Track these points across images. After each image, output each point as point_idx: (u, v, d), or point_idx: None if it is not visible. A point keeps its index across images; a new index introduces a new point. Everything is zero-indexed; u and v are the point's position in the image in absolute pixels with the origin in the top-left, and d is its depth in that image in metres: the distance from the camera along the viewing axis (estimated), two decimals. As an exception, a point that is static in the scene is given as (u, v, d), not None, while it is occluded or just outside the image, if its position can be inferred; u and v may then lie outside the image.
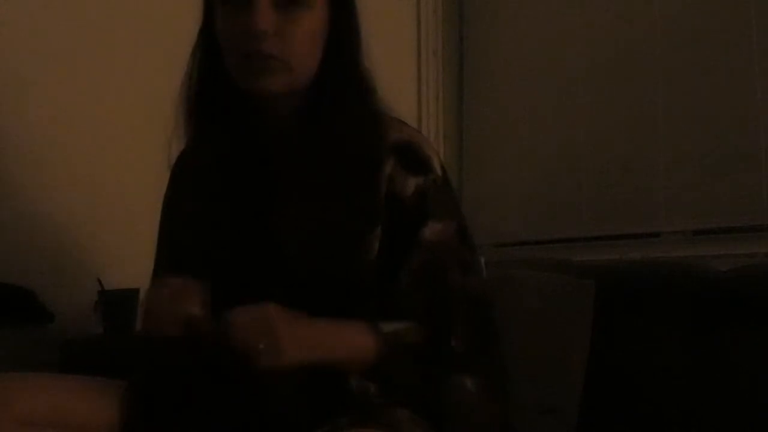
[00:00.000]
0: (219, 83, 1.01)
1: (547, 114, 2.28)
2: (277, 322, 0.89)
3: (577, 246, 2.14)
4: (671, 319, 1.49)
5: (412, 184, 1.00)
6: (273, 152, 1.02)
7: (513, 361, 1.59)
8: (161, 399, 1.00)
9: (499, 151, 2.44)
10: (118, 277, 1.80)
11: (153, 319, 0.94)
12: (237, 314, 0.89)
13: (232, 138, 1.04)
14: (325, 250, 0.97)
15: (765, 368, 1.34)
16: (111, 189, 1.93)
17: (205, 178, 1.05)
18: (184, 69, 1.07)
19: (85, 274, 1.82)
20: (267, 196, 1.01)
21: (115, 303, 1.77)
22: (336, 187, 0.98)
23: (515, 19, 2.42)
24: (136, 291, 1.78)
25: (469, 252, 1.04)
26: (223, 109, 1.03)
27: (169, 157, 1.14)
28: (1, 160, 1.80)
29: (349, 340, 0.94)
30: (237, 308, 0.89)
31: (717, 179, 1.82)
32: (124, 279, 1.78)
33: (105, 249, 1.90)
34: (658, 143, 1.96)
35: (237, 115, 1.03)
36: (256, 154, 1.03)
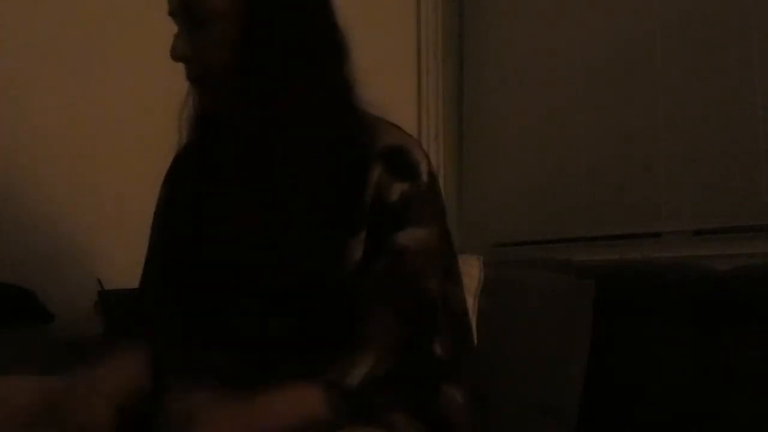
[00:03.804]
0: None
1: (547, 114, 2.28)
2: (203, 410, 0.85)
3: (577, 246, 2.14)
4: (671, 319, 1.49)
5: (397, 190, 0.97)
6: (237, 161, 1.01)
7: (513, 361, 1.59)
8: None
9: (499, 151, 2.44)
10: (118, 277, 1.79)
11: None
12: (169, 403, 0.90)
13: (205, 147, 1.05)
14: (293, 257, 0.94)
15: (765, 368, 1.34)
16: (111, 189, 1.93)
17: (181, 185, 1.08)
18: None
19: (85, 274, 1.82)
20: (226, 203, 0.99)
21: (115, 303, 1.77)
22: (308, 193, 0.95)
23: (515, 19, 2.42)
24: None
25: (451, 260, 1.03)
26: (201, 121, 1.06)
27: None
28: (0, 161, 1.80)
29: (297, 408, 0.88)
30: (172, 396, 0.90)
31: (717, 179, 1.82)
32: (124, 279, 1.78)
33: (105, 249, 1.90)
34: (658, 143, 1.95)
35: (210, 128, 1.05)
36: (223, 162, 1.03)
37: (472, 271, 1.67)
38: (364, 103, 1.03)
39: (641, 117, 2.00)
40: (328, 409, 0.87)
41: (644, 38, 2.01)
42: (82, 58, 1.91)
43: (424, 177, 1.00)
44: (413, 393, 0.93)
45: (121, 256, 1.88)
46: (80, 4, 1.92)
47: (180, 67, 1.06)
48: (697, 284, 1.50)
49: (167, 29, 0.98)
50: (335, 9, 1.04)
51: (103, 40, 1.94)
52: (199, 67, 0.99)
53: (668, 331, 1.49)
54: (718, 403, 1.37)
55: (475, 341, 1.59)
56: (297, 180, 0.95)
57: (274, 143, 0.95)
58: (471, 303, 1.63)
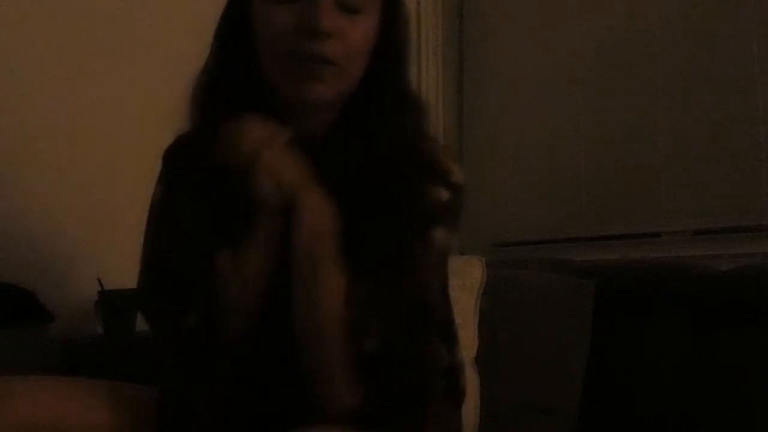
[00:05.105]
0: (244, 84, 0.95)
1: (547, 114, 2.28)
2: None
3: (577, 246, 2.14)
4: (671, 319, 1.49)
5: (431, 192, 0.98)
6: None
7: (513, 360, 1.59)
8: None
9: (499, 151, 2.44)
10: (118, 277, 1.79)
11: None
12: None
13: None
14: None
15: (765, 368, 1.34)
16: (111, 189, 1.93)
17: (213, 183, 0.95)
18: (200, 63, 1.00)
19: (85, 274, 1.82)
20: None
21: (115, 303, 1.77)
22: (373, 205, 0.93)
23: (515, 18, 2.42)
24: (136, 291, 1.78)
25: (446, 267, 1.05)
26: (242, 110, 0.95)
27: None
28: (1, 160, 1.80)
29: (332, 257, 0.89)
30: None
31: (717, 179, 1.82)
32: (124, 279, 1.77)
33: (105, 249, 1.90)
34: (658, 143, 1.96)
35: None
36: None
37: (473, 272, 1.67)
38: None
39: (641, 117, 2.01)
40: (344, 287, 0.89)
41: (644, 38, 2.01)
42: (83, 58, 1.91)
43: (455, 183, 1.01)
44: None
45: (121, 256, 1.88)
46: (79, 5, 1.92)
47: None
48: (697, 284, 1.50)
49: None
50: None
51: (106, 39, 1.94)
52: (340, 50, 0.91)
53: (668, 331, 1.49)
54: (717, 403, 1.37)
55: (474, 346, 1.60)
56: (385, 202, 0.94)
57: (374, 163, 0.95)
58: (473, 303, 1.63)
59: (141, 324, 1.80)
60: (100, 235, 1.91)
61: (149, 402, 1.00)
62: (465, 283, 1.63)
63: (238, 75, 0.96)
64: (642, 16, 2.03)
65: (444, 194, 0.99)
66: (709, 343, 1.42)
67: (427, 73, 2.56)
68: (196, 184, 0.97)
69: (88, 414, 0.96)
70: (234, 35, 0.97)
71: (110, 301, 1.78)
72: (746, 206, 1.77)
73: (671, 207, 1.92)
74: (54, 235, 1.85)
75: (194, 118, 0.99)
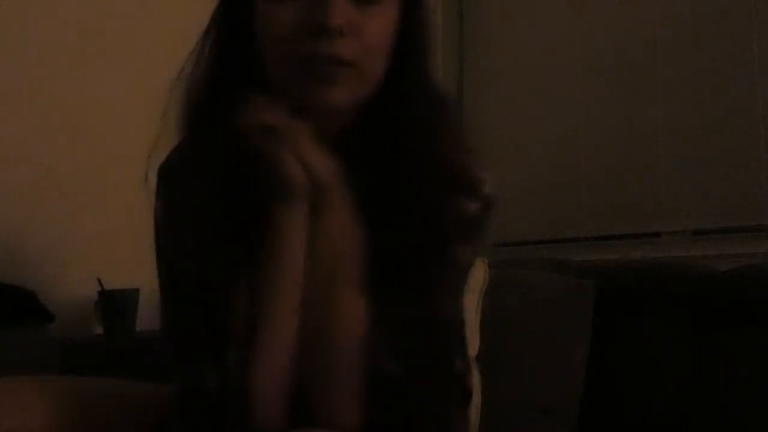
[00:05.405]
0: (247, 89, 0.84)
1: (547, 114, 2.28)
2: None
3: (577, 246, 2.14)
4: (671, 319, 1.49)
5: (458, 207, 0.91)
6: None
7: (513, 360, 1.60)
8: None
9: (499, 150, 2.43)
10: (118, 277, 1.80)
11: None
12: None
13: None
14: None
15: (765, 368, 1.34)
16: (111, 189, 1.93)
17: (222, 192, 0.85)
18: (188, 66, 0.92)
19: (85, 274, 1.83)
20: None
21: (115, 303, 1.78)
22: (392, 220, 0.85)
23: (515, 18, 2.42)
24: (136, 291, 1.79)
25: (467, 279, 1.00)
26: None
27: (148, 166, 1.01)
28: (1, 161, 1.80)
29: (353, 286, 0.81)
30: None
31: (717, 179, 1.82)
32: (124, 279, 1.78)
33: (105, 249, 1.90)
34: (658, 143, 1.96)
35: None
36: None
37: (476, 272, 1.67)
38: None
39: (641, 117, 2.01)
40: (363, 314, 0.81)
41: (644, 38, 2.01)
42: (83, 59, 1.91)
43: (485, 198, 0.94)
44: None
45: (121, 256, 1.89)
46: (78, 6, 1.93)
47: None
48: (697, 284, 1.50)
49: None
50: None
51: (106, 40, 1.94)
52: (355, 49, 0.80)
53: (668, 331, 1.49)
54: (717, 403, 1.37)
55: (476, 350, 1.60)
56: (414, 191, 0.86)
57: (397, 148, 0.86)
58: (475, 303, 1.63)
59: (141, 324, 1.80)
60: (100, 235, 1.91)
61: (150, 401, 1.00)
62: (467, 283, 1.63)
63: (239, 79, 0.86)
64: (642, 17, 2.03)
65: (472, 207, 0.91)
66: (709, 343, 1.42)
67: (427, 73, 2.55)
68: (203, 197, 0.86)
69: (89, 414, 0.95)
70: (233, 36, 0.88)
71: (110, 301, 1.78)
72: (746, 206, 1.77)
73: (671, 207, 1.92)
74: (54, 235, 1.85)
75: (192, 126, 0.91)
